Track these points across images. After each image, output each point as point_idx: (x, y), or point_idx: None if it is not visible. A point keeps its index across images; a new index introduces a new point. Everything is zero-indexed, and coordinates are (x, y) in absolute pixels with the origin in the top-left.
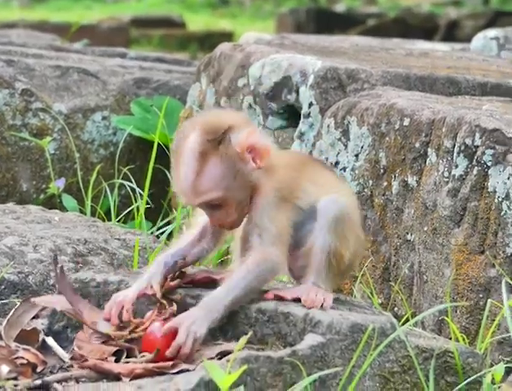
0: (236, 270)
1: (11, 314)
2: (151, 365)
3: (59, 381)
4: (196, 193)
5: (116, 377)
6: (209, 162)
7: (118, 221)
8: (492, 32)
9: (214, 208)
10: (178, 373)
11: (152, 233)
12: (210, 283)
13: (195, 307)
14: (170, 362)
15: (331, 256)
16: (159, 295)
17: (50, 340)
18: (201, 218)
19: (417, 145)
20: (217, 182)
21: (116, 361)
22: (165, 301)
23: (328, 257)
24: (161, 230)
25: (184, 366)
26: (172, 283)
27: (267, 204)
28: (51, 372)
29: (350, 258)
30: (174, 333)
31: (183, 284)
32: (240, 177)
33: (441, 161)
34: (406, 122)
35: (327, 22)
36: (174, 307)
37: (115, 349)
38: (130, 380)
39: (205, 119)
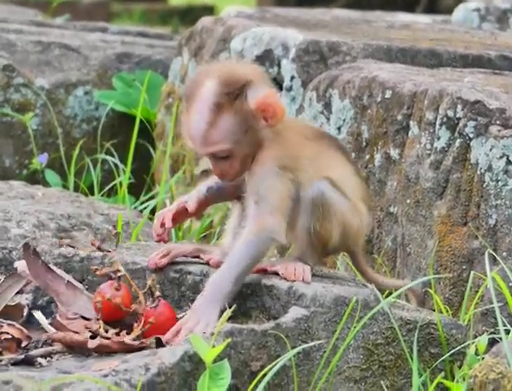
0: (235, 245)
1: None
2: (117, 339)
3: (43, 355)
4: (205, 143)
5: (84, 349)
6: (222, 114)
7: (101, 197)
8: (473, 4)
9: (219, 159)
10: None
11: (135, 208)
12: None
13: (202, 294)
14: (137, 342)
15: (312, 236)
16: (193, 208)
17: (37, 314)
18: None
19: (399, 117)
20: (227, 135)
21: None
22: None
23: (310, 237)
24: (143, 205)
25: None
26: (163, 260)
27: (267, 173)
28: (35, 347)
29: (340, 239)
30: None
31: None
32: (249, 133)
33: (423, 134)
34: (388, 95)
35: None
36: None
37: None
38: (96, 351)
39: (223, 69)
